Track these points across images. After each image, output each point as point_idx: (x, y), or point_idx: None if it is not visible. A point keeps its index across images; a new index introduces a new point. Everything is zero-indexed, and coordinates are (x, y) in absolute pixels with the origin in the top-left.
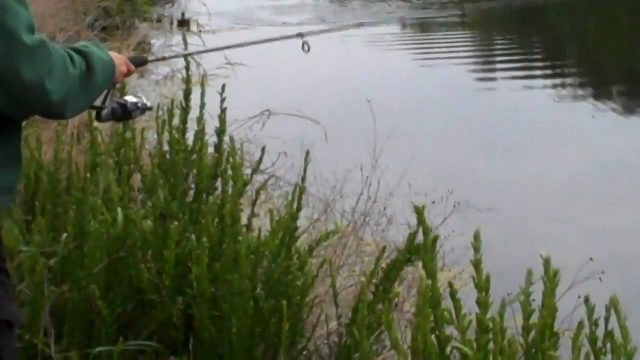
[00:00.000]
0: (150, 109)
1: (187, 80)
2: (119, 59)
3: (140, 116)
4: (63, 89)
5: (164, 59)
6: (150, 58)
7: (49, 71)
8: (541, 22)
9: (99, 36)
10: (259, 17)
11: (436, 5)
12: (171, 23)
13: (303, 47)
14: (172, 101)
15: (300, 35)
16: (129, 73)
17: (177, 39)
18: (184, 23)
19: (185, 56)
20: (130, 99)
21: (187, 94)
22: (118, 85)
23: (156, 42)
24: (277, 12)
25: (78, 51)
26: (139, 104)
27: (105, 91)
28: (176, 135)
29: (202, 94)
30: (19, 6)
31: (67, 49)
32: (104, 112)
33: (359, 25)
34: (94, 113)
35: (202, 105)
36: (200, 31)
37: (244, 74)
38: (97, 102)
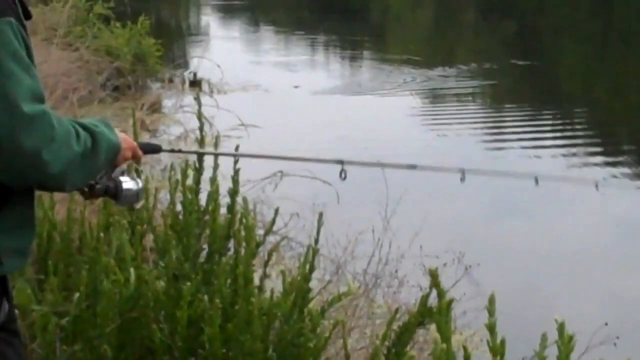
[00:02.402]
0: (141, 195)
1: (201, 141)
2: (128, 143)
3: (131, 201)
4: (62, 162)
5: (180, 151)
6: (164, 147)
7: (48, 143)
8: (551, 84)
9: (111, 95)
10: (270, 78)
11: (451, 76)
12: (183, 83)
13: (341, 175)
14: (186, 162)
15: (340, 162)
16: (134, 158)
17: (189, 99)
18: (195, 83)
19: (199, 154)
20: (126, 182)
21: (200, 155)
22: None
23: (168, 103)
24: (289, 69)
25: (86, 128)
26: (134, 189)
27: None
28: (189, 196)
29: (216, 156)
30: (24, 74)
31: (75, 124)
32: (98, 187)
33: (412, 167)
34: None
35: (216, 167)
36: (212, 92)
37: (256, 135)
38: None
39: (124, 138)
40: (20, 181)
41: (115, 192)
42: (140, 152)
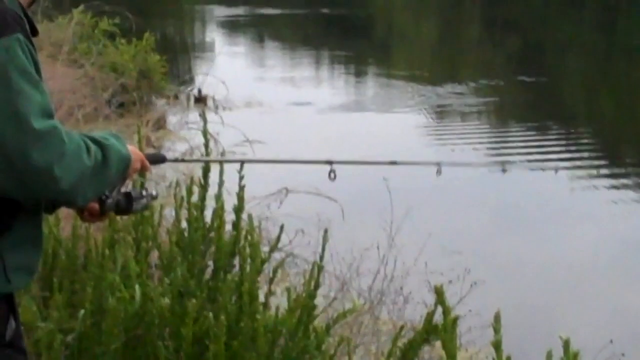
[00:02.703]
0: (155, 197)
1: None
2: (136, 154)
3: (142, 211)
4: (73, 177)
5: (183, 160)
6: (169, 157)
7: (59, 158)
8: (556, 101)
9: (116, 112)
10: (275, 95)
11: (456, 94)
12: (188, 99)
13: (330, 175)
14: (191, 178)
15: (329, 162)
16: (142, 170)
17: (194, 115)
18: (201, 100)
19: (205, 162)
20: (136, 194)
21: (205, 171)
22: (133, 179)
23: (173, 119)
24: (294, 85)
25: (96, 142)
26: (145, 199)
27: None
28: (194, 213)
29: (221, 172)
30: (33, 90)
31: (85, 138)
32: (109, 201)
33: (392, 163)
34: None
35: (221, 183)
36: (217, 108)
37: (261, 151)
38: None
39: (132, 150)
40: (32, 196)
41: (126, 206)
42: (148, 164)
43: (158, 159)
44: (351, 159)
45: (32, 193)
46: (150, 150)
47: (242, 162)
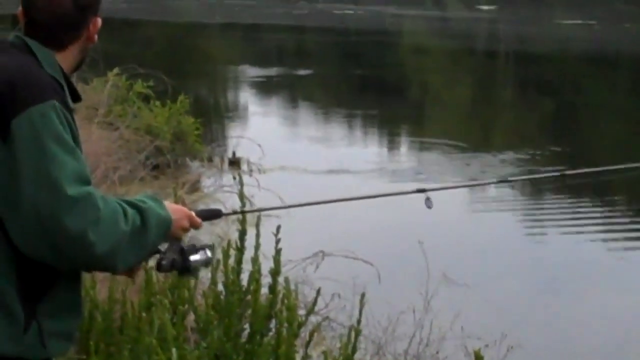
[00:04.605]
0: (210, 260)
1: (243, 221)
2: (181, 212)
3: (203, 270)
4: (109, 242)
5: (243, 212)
6: (224, 211)
7: (93, 224)
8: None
9: (151, 174)
10: (310, 157)
11: (494, 163)
12: (222, 162)
13: (426, 203)
14: (228, 242)
15: (421, 191)
16: (193, 226)
17: (228, 178)
18: (235, 162)
19: (260, 210)
20: (192, 253)
21: (242, 234)
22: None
23: (208, 182)
24: (331, 147)
25: (134, 205)
26: (201, 259)
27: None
28: (231, 276)
29: (257, 235)
30: (67, 156)
31: (122, 203)
32: (164, 262)
33: (503, 181)
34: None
35: (257, 246)
36: (251, 170)
37: (298, 214)
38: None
39: (176, 209)
40: (67, 263)
41: (182, 265)
42: (198, 220)
43: (213, 215)
44: (444, 184)
45: (67, 259)
46: None
47: (310, 205)
